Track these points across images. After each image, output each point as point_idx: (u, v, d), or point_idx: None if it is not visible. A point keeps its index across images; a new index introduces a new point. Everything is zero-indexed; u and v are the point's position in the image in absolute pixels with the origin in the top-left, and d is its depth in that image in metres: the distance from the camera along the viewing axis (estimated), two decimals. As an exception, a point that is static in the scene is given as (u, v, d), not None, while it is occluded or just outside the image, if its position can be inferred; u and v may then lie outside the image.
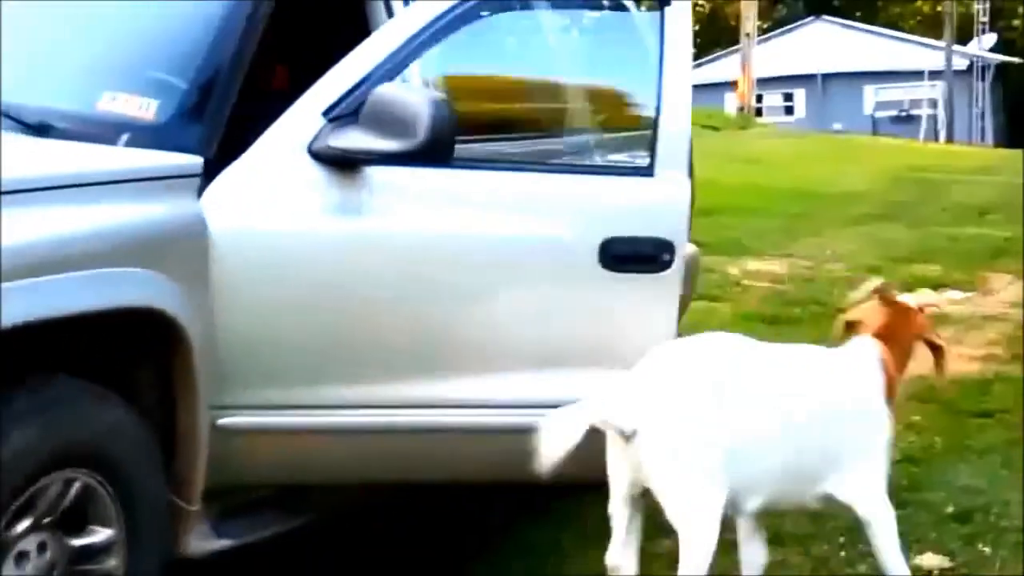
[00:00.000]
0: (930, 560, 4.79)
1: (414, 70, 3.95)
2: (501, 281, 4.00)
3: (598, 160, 4.60)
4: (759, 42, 39.73)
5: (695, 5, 39.29)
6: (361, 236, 3.81)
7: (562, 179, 4.24)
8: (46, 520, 3.27)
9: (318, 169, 3.73)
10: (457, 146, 3.99)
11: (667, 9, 4.13)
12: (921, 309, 4.46)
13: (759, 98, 41.66)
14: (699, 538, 3.62)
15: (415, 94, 3.71)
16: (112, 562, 3.41)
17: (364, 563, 4.61)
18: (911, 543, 4.87)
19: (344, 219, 3.80)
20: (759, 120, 38.67)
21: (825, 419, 3.96)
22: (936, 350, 4.37)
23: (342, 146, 3.70)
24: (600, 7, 4.85)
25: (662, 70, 4.13)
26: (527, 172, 4.21)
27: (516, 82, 4.73)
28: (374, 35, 4.03)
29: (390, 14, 4.19)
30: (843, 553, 4.81)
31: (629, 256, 4.01)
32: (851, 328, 4.25)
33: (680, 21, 4.17)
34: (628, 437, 3.60)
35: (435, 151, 3.67)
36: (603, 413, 3.60)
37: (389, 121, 3.64)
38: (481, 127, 4.41)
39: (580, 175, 4.31)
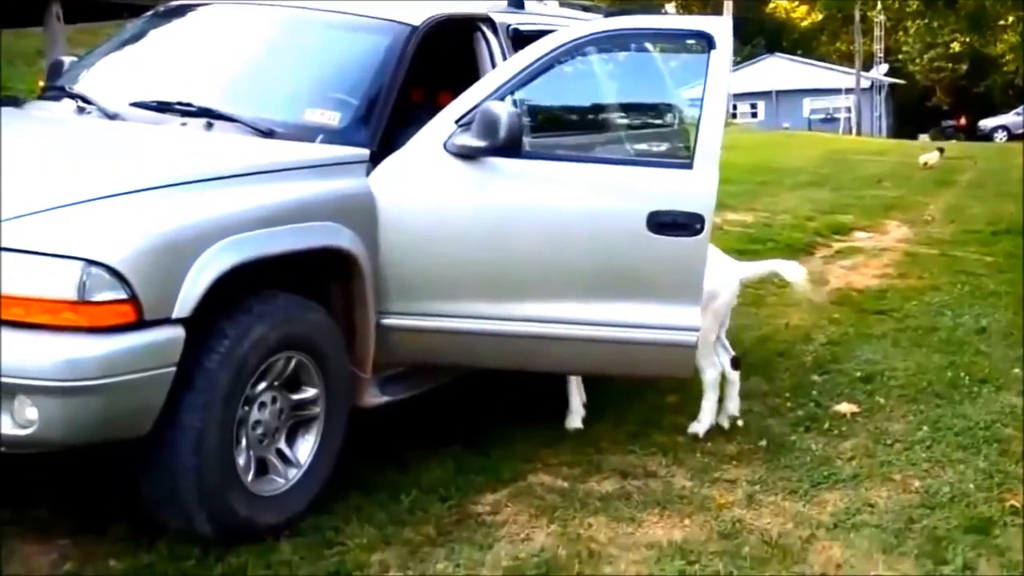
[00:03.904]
0: (845, 407, 4.70)
1: (515, 94, 3.73)
2: (579, 236, 3.70)
3: (654, 156, 4.28)
4: (734, 69, 38.62)
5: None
6: (474, 203, 3.65)
7: (629, 169, 3.91)
8: (276, 383, 3.28)
9: (449, 159, 3.60)
10: (558, 146, 3.97)
11: (712, 52, 3.77)
12: None
13: (734, 106, 40.71)
14: None
15: (500, 108, 3.54)
16: (316, 409, 3.41)
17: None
18: (834, 396, 4.83)
19: (464, 192, 3.64)
20: (734, 121, 37.81)
21: None
22: None
23: (460, 143, 3.59)
24: (664, 49, 4.47)
25: (704, 94, 3.76)
26: (605, 164, 3.93)
27: (601, 104, 4.49)
28: (490, 72, 3.90)
29: (492, 59, 4.06)
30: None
31: (669, 224, 3.65)
32: None
33: (720, 63, 3.76)
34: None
35: (509, 147, 3.55)
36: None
37: (484, 126, 3.53)
38: (579, 134, 4.30)
39: (641, 167, 3.97)
